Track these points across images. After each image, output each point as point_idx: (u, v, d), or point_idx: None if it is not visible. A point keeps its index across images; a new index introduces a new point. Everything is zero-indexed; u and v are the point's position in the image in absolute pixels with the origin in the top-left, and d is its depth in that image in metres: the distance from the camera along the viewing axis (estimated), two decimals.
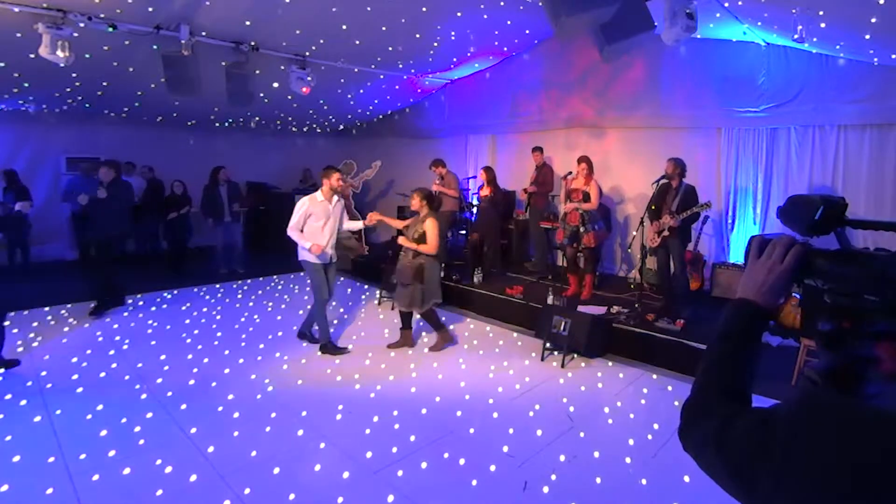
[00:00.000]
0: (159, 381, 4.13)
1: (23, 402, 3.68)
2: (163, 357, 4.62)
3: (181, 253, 8.00)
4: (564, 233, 5.88)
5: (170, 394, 3.91)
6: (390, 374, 4.45)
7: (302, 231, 4.73)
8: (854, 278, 0.74)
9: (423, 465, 3.11)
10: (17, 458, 2.99)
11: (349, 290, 7.48)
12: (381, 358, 4.83)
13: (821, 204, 0.82)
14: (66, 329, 5.28)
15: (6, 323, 4.33)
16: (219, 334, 5.30)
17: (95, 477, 2.85)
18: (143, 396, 3.85)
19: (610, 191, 7.20)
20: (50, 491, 2.72)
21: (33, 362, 4.42)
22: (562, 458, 3.21)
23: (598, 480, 3.00)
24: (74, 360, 4.50)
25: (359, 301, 6.90)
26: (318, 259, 4.76)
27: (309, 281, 5.01)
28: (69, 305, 5.97)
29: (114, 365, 4.43)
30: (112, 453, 3.09)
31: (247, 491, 2.78)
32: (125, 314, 5.79)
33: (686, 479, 2.95)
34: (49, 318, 5.61)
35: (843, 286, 0.76)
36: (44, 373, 4.21)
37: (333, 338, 5.16)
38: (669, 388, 4.30)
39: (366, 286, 7.64)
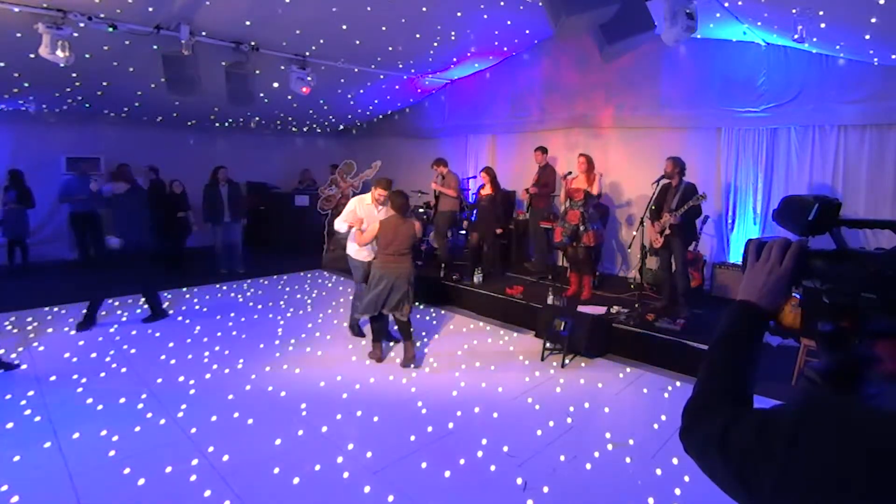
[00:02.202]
0: (159, 381, 4.13)
1: (23, 402, 3.68)
2: (162, 357, 4.63)
3: (178, 254, 8.00)
4: (563, 231, 5.88)
5: (170, 394, 3.91)
6: (390, 375, 4.44)
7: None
8: (851, 277, 0.74)
9: (423, 465, 3.10)
10: (17, 458, 2.99)
11: (350, 290, 7.47)
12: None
13: (815, 203, 0.83)
14: (65, 329, 5.27)
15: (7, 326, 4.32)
16: (218, 334, 5.30)
17: (95, 477, 2.85)
18: (143, 396, 3.84)
19: (610, 191, 7.20)
20: (50, 491, 2.72)
21: (33, 362, 4.41)
22: (562, 458, 3.21)
23: (598, 480, 3.00)
24: (75, 360, 4.50)
25: None
26: (363, 257, 4.94)
27: (353, 275, 5.19)
28: (69, 305, 5.97)
29: (114, 365, 4.43)
30: (112, 453, 3.09)
31: (247, 491, 2.78)
32: (124, 317, 5.77)
33: (686, 479, 2.95)
34: (49, 317, 5.61)
35: (841, 286, 0.76)
36: (44, 373, 4.21)
37: (334, 336, 5.21)
38: (669, 388, 4.30)
39: None
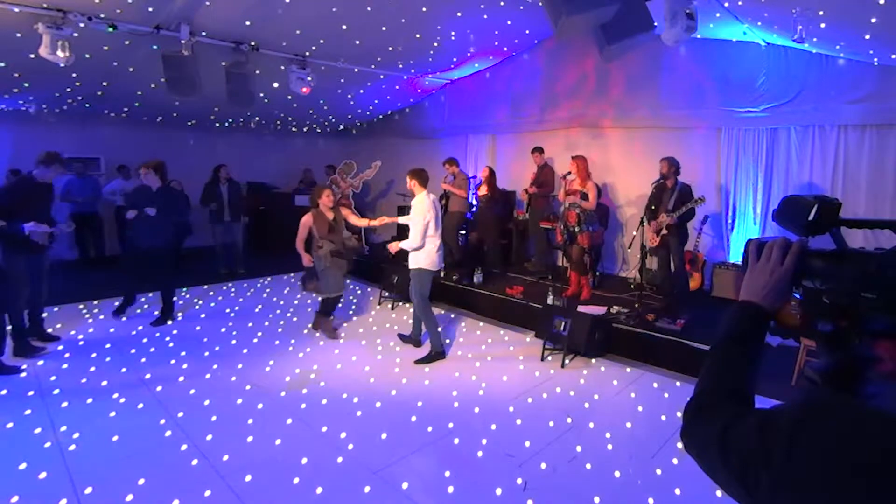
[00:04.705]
0: (159, 381, 4.13)
1: (23, 402, 3.68)
2: (162, 357, 4.63)
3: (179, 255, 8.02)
4: (562, 231, 5.89)
5: (170, 394, 3.92)
6: (390, 375, 4.45)
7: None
8: (851, 277, 0.74)
9: (424, 465, 3.11)
10: (17, 459, 2.98)
11: (353, 290, 7.47)
12: (379, 358, 4.83)
13: (815, 204, 0.83)
14: (62, 326, 5.27)
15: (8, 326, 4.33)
16: (219, 333, 5.30)
17: (95, 477, 2.85)
18: (143, 396, 3.85)
19: (610, 191, 7.21)
20: (49, 491, 2.72)
21: (34, 364, 4.41)
22: (562, 458, 3.21)
23: (598, 480, 3.00)
24: (75, 360, 4.49)
25: (359, 301, 6.90)
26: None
27: None
28: (69, 305, 5.97)
29: (114, 365, 4.43)
30: (112, 453, 3.09)
31: (247, 491, 2.78)
32: (124, 317, 5.74)
33: (685, 479, 2.95)
34: (48, 316, 5.58)
35: (841, 286, 0.76)
36: (44, 374, 4.21)
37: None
38: (669, 388, 4.30)
39: (368, 288, 7.63)
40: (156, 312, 5.67)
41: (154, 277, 5.62)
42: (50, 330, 5.07)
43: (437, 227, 4.67)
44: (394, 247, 4.82)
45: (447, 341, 5.33)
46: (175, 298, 5.86)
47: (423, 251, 4.65)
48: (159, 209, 5.29)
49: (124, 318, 5.60)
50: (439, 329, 4.97)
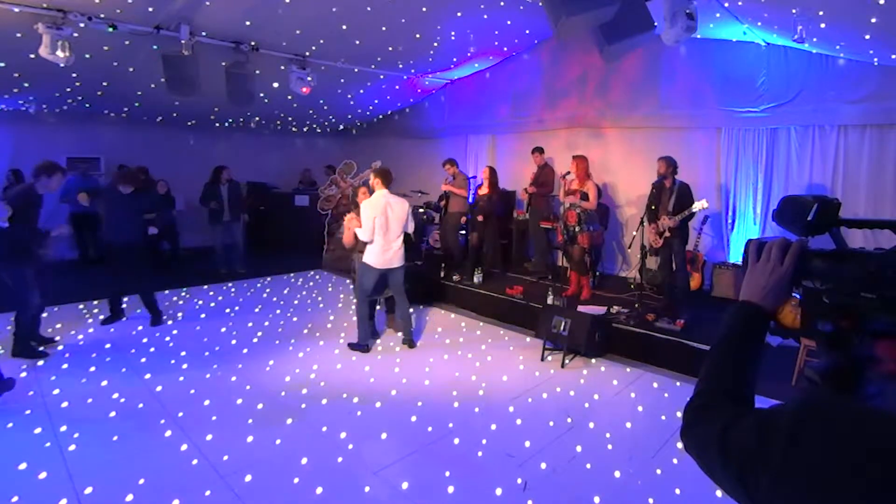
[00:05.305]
0: (159, 388, 4.12)
1: (23, 402, 3.68)
2: (162, 357, 4.62)
3: (170, 255, 8.05)
4: (562, 231, 5.89)
5: (169, 394, 3.91)
6: (390, 374, 4.44)
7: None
8: (851, 277, 0.74)
9: (424, 465, 3.10)
10: (17, 459, 2.98)
11: (351, 290, 7.47)
12: (379, 358, 4.83)
13: (814, 203, 0.83)
14: (61, 326, 5.27)
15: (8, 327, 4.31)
16: (219, 333, 5.30)
17: (95, 477, 2.84)
18: (143, 396, 3.85)
19: (610, 191, 7.21)
20: (49, 491, 2.71)
21: (33, 362, 4.40)
22: (562, 457, 3.21)
23: (598, 480, 3.00)
24: (75, 360, 4.49)
25: None
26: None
27: None
28: (69, 305, 5.97)
29: (113, 365, 4.43)
30: (112, 453, 3.09)
31: (247, 491, 2.78)
32: (123, 317, 5.74)
33: (685, 479, 2.95)
34: (47, 316, 5.58)
35: (841, 286, 0.76)
36: (44, 374, 4.21)
37: (334, 335, 5.24)
38: (669, 388, 4.30)
39: None
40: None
41: (131, 280, 5.50)
42: (49, 330, 5.07)
43: (387, 229, 4.73)
44: (352, 222, 4.85)
45: (447, 341, 5.34)
46: (157, 300, 5.67)
47: (370, 247, 4.78)
48: (122, 208, 5.28)
49: (112, 330, 5.38)
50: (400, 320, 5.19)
